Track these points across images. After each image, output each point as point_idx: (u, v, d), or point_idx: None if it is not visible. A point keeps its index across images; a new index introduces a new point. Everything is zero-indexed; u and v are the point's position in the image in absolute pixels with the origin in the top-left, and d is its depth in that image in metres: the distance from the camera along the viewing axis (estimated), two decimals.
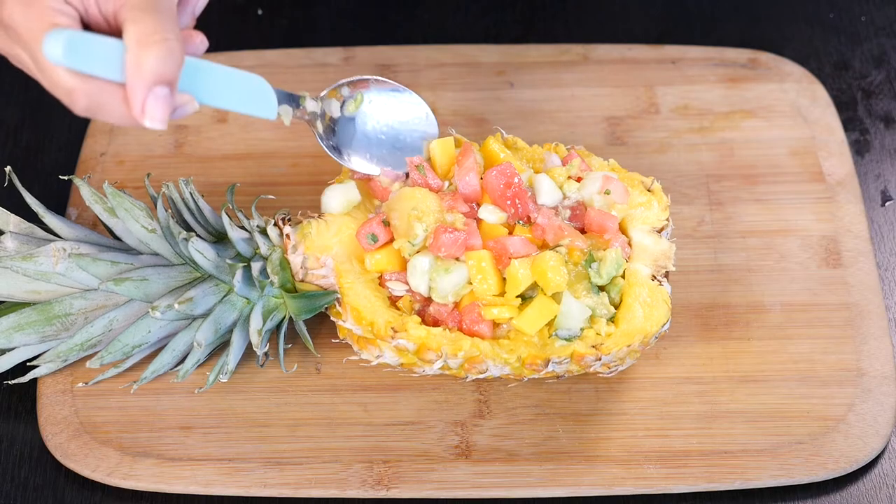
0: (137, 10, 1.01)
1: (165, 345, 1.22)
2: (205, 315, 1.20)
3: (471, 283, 1.17)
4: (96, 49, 1.00)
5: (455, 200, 1.19)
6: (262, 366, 1.23)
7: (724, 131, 1.41)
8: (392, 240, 1.19)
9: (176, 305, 1.17)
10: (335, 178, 1.24)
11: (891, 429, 1.21)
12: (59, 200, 1.37)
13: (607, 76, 1.46)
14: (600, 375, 1.22)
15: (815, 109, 1.43)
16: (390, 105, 1.24)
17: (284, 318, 1.22)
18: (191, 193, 1.22)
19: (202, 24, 1.55)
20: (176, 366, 1.23)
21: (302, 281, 1.21)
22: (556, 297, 1.16)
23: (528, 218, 1.19)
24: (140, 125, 1.02)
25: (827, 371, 1.24)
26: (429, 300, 1.18)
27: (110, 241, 1.24)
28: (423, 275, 1.17)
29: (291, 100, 1.17)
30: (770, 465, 1.19)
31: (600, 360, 1.17)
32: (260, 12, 1.56)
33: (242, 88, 1.11)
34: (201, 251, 1.19)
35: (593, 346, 1.16)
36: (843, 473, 1.19)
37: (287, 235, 1.21)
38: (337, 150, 1.22)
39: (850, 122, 1.45)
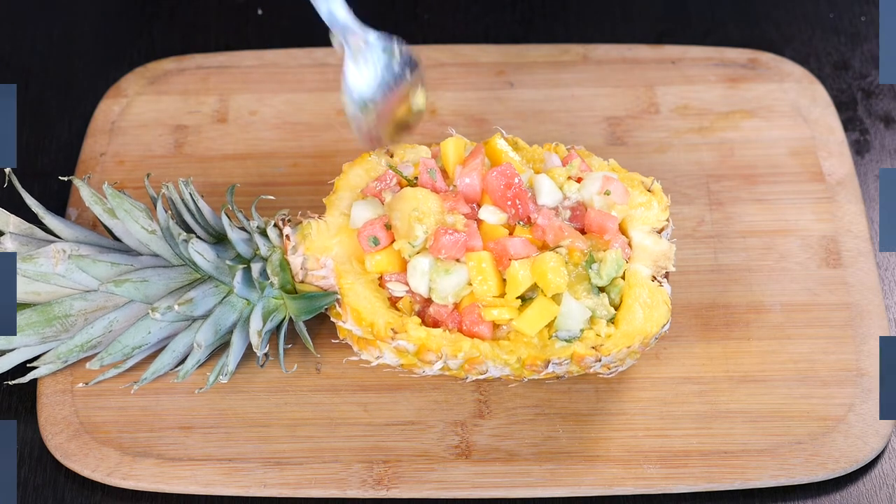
0: None
1: (165, 345, 1.22)
2: (205, 316, 1.20)
3: (471, 285, 1.17)
4: None
5: (456, 201, 1.19)
6: (262, 366, 1.23)
7: (724, 131, 1.41)
8: (392, 241, 1.19)
9: (176, 307, 1.17)
10: (335, 177, 1.24)
11: (891, 429, 1.21)
12: (59, 201, 1.37)
13: (607, 76, 1.46)
14: (600, 376, 1.22)
15: (815, 109, 1.43)
16: None
17: (284, 318, 1.22)
18: (190, 194, 1.22)
19: (203, 24, 1.56)
20: (176, 366, 1.23)
21: (302, 282, 1.21)
22: (557, 298, 1.16)
23: (529, 219, 1.19)
24: None
25: (827, 371, 1.24)
26: (429, 301, 1.18)
27: (110, 241, 1.24)
28: (423, 276, 1.17)
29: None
30: (770, 465, 1.19)
31: (600, 360, 1.17)
32: (260, 12, 1.56)
33: None
34: (201, 252, 1.19)
35: (593, 348, 1.16)
36: (843, 473, 1.19)
37: (287, 236, 1.21)
38: None
39: (850, 122, 1.45)
